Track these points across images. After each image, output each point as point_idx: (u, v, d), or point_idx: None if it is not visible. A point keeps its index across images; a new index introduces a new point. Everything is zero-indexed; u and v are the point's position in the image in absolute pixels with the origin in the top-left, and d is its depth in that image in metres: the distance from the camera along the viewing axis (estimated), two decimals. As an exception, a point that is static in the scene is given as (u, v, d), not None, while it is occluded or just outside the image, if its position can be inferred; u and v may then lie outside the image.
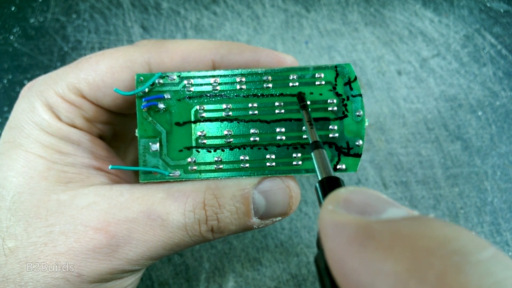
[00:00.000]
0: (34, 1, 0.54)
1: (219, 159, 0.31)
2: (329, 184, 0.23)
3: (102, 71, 0.32)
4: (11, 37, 0.53)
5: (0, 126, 0.50)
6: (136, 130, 0.31)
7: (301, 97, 0.31)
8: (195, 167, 0.31)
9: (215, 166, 0.31)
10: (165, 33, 0.53)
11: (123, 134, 0.40)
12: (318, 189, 0.24)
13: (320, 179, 0.24)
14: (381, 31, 0.53)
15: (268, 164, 0.31)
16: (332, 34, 0.53)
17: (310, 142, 0.28)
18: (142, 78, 0.31)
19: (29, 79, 0.51)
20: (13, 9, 0.54)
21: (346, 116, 0.31)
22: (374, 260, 0.15)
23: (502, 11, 0.54)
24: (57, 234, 0.29)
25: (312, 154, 0.27)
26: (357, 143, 0.31)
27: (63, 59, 0.52)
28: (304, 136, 0.31)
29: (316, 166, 0.26)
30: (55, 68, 0.51)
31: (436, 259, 0.14)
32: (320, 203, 0.23)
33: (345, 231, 0.17)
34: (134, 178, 0.37)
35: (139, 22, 0.53)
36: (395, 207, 0.18)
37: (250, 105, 0.31)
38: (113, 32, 0.53)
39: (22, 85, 0.51)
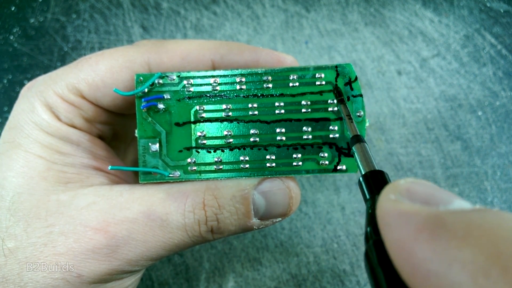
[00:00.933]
0: (34, 1, 0.54)
1: (219, 159, 0.31)
2: (374, 178, 0.23)
3: (102, 71, 0.32)
4: (11, 37, 0.53)
5: (0, 126, 0.50)
6: (136, 131, 0.31)
7: (338, 91, 0.31)
8: (195, 168, 0.31)
9: (215, 166, 0.31)
10: (165, 33, 0.53)
11: (123, 134, 0.40)
12: (363, 183, 0.23)
13: (363, 173, 0.24)
14: (381, 31, 0.53)
15: (268, 164, 0.31)
16: (332, 34, 0.53)
17: (350, 136, 0.27)
18: (141, 78, 0.31)
19: (29, 79, 0.51)
20: (13, 9, 0.54)
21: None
22: (448, 249, 0.15)
23: (502, 11, 0.54)
24: (56, 235, 0.29)
25: (354, 148, 0.26)
26: None
27: (63, 59, 0.52)
28: (304, 137, 0.31)
29: (358, 160, 0.25)
30: (55, 68, 0.51)
31: None
32: (364, 197, 0.23)
33: (412, 220, 0.16)
34: (134, 178, 0.37)
35: (139, 22, 0.53)
36: (460, 199, 0.18)
37: (250, 105, 0.31)
38: (113, 32, 0.53)
39: (22, 85, 0.51)
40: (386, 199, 0.19)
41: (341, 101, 0.30)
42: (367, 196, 0.23)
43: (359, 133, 0.27)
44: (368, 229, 0.20)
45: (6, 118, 0.48)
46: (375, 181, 0.23)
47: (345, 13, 0.54)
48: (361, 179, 0.24)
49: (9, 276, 0.29)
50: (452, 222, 0.15)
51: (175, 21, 0.54)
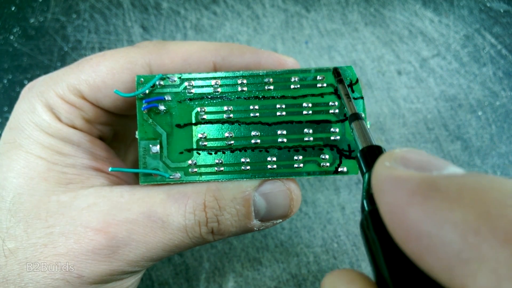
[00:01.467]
0: (34, 1, 0.54)
1: (220, 161, 0.31)
2: (371, 153, 0.23)
3: (103, 72, 0.32)
4: (11, 37, 0.53)
5: (0, 126, 0.50)
6: (136, 132, 0.31)
7: (337, 72, 0.31)
8: (195, 170, 0.31)
9: (215, 168, 0.31)
10: (165, 33, 0.53)
11: (123, 135, 0.40)
12: (360, 158, 0.24)
13: (361, 148, 0.24)
14: (381, 31, 0.53)
15: (269, 166, 0.31)
16: (332, 34, 0.53)
17: (349, 114, 0.28)
18: (142, 79, 0.31)
19: (29, 79, 0.51)
20: (13, 9, 0.54)
21: (347, 118, 0.31)
22: (440, 210, 0.15)
23: (502, 11, 0.54)
24: (57, 235, 0.29)
25: (352, 125, 0.27)
26: None
27: (63, 59, 0.52)
28: (306, 139, 0.31)
29: (356, 136, 0.26)
30: (55, 68, 0.51)
31: (508, 209, 0.14)
32: (362, 172, 0.23)
33: (406, 185, 0.17)
34: (134, 179, 0.37)
35: (139, 22, 0.53)
36: (454, 166, 0.18)
37: (251, 107, 0.31)
38: (113, 32, 0.53)
39: (22, 85, 0.51)
40: (381, 166, 0.19)
41: (340, 81, 0.30)
42: (364, 170, 0.23)
43: (357, 112, 0.28)
44: (364, 201, 0.20)
45: (6, 118, 0.48)
46: (372, 156, 0.23)
47: (345, 13, 0.54)
48: (358, 154, 0.24)
49: (9, 277, 0.29)
50: (445, 185, 0.16)
51: (175, 21, 0.54)
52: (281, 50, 0.52)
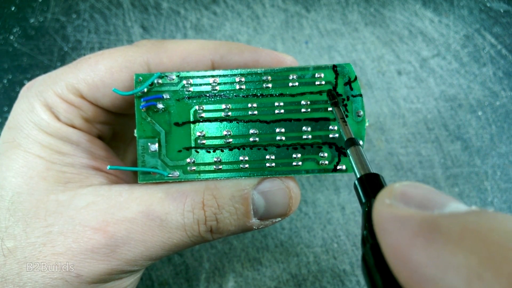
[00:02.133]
0: (34, 1, 0.54)
1: (219, 159, 0.31)
2: (370, 181, 0.23)
3: (101, 71, 0.32)
4: (11, 37, 0.53)
5: (0, 126, 0.50)
6: (135, 130, 0.31)
7: (332, 94, 0.31)
8: (194, 168, 0.31)
9: (214, 166, 0.31)
10: (165, 33, 0.53)
11: (122, 134, 0.40)
12: (358, 186, 0.23)
13: (358, 176, 0.24)
14: (381, 31, 0.53)
15: (267, 164, 0.31)
16: (332, 34, 0.53)
17: (345, 139, 0.27)
18: (141, 78, 0.31)
19: (29, 79, 0.51)
20: (13, 9, 0.54)
21: (346, 116, 0.31)
22: (443, 254, 0.15)
23: (502, 11, 0.54)
24: (55, 234, 0.29)
25: (348, 151, 0.26)
26: None
27: (63, 59, 0.52)
28: (304, 137, 0.31)
29: (353, 163, 0.25)
30: (55, 68, 0.51)
31: (510, 252, 0.14)
32: (360, 200, 0.23)
33: (407, 225, 0.17)
34: (133, 178, 0.37)
35: (139, 22, 0.53)
36: (455, 202, 0.18)
37: (249, 105, 0.31)
38: (113, 32, 0.53)
39: (22, 85, 0.51)
40: (381, 203, 0.19)
41: (334, 104, 0.30)
42: (363, 200, 0.23)
43: (353, 136, 0.27)
44: (365, 232, 0.20)
45: (6, 118, 0.48)
46: (370, 185, 0.23)
47: (345, 13, 0.54)
48: (356, 182, 0.24)
49: (8, 276, 0.29)
50: (447, 226, 0.16)
51: (175, 21, 0.54)
52: (281, 50, 0.52)
